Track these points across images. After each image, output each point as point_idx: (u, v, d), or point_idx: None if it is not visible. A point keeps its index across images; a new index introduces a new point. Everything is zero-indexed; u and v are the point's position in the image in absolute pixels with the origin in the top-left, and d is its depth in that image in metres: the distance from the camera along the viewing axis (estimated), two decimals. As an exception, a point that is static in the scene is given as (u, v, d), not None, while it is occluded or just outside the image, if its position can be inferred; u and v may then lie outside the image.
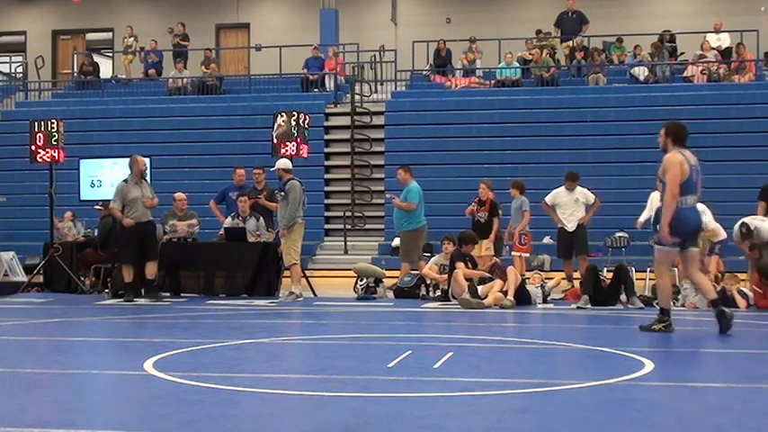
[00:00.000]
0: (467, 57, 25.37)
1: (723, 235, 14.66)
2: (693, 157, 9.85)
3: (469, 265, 13.40)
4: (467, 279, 13.11)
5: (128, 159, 15.69)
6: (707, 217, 16.14)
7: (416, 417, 5.69)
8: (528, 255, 16.53)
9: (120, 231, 13.89)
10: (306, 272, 15.41)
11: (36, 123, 15.93)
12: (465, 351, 8.71)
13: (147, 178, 14.48)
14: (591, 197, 15.27)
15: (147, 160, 14.46)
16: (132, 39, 27.66)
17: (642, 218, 17.09)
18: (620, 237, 17.27)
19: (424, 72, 26.01)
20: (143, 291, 13.90)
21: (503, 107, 23.11)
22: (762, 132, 21.35)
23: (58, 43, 31.24)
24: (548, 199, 15.22)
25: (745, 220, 13.85)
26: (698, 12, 27.01)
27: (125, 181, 13.99)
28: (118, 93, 26.97)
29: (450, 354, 8.08)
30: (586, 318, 11.93)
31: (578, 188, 15.29)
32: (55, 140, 15.75)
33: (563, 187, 15.44)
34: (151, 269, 13.86)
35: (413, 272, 14.93)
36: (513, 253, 16.17)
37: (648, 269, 16.28)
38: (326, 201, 22.80)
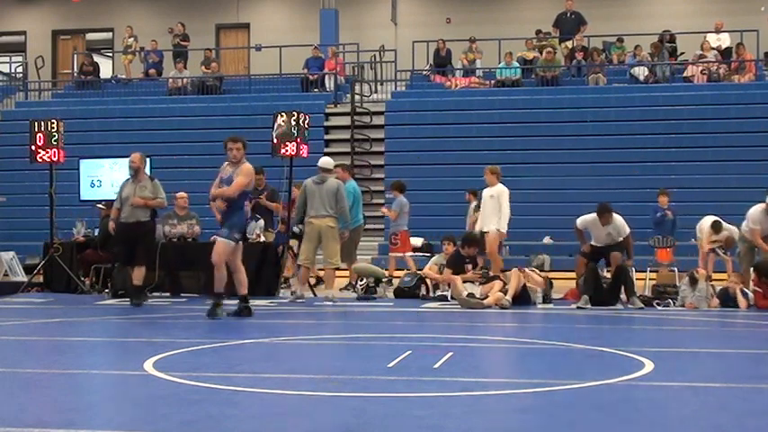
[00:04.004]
0: (467, 57, 25.38)
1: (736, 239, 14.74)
2: None
3: (469, 268, 13.42)
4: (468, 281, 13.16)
5: (128, 159, 15.72)
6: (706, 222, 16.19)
7: (416, 417, 5.68)
8: (403, 254, 16.58)
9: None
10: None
11: (36, 123, 15.92)
12: (465, 351, 8.71)
13: (148, 175, 13.59)
14: (625, 230, 13.38)
15: (139, 155, 13.53)
16: (132, 39, 27.67)
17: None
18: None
19: (424, 72, 26.02)
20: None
21: (503, 107, 23.12)
22: (762, 132, 21.35)
23: (58, 43, 31.25)
24: (579, 224, 13.72)
25: None
26: (698, 12, 27.02)
27: (127, 179, 13.60)
28: (118, 93, 26.98)
29: (451, 354, 8.08)
30: (586, 318, 11.93)
31: (614, 220, 13.37)
32: (55, 140, 15.73)
33: (598, 221, 13.35)
34: (137, 274, 13.03)
35: (411, 272, 14.98)
36: (389, 254, 16.46)
37: (648, 269, 16.31)
38: (326, 201, 22.80)
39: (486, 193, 14.70)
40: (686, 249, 17.80)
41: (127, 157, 15.69)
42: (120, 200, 13.25)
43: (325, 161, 14.16)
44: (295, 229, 14.03)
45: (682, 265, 16.04)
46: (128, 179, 13.47)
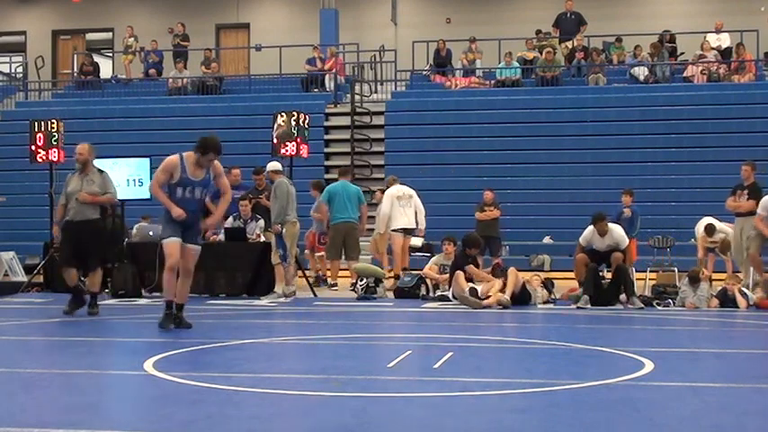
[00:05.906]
0: (467, 57, 25.37)
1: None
2: None
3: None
4: (469, 280, 13.16)
5: (128, 160, 15.74)
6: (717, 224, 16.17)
7: (416, 417, 5.69)
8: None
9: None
10: (305, 272, 15.43)
11: (36, 123, 15.94)
12: (465, 351, 8.71)
13: (96, 168, 11.91)
14: (623, 242, 13.34)
15: (87, 146, 11.88)
16: (132, 39, 27.67)
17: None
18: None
19: (424, 72, 26.02)
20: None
21: (503, 107, 23.12)
22: (762, 132, 21.35)
23: (58, 43, 31.24)
24: (581, 241, 13.47)
25: None
26: (698, 12, 27.02)
27: (73, 172, 11.98)
28: (118, 93, 26.97)
29: (451, 354, 8.08)
30: (586, 318, 11.93)
31: (611, 231, 13.30)
32: (55, 140, 15.76)
33: (596, 232, 13.30)
34: (90, 280, 11.80)
35: (412, 272, 15.01)
36: (316, 254, 16.79)
37: (648, 269, 16.31)
38: (326, 201, 22.80)
39: None
40: (686, 249, 17.82)
41: (128, 157, 15.70)
42: (66, 196, 11.77)
43: (278, 165, 14.33)
44: (282, 230, 13.87)
45: (681, 265, 16.06)
46: (74, 172, 11.92)
